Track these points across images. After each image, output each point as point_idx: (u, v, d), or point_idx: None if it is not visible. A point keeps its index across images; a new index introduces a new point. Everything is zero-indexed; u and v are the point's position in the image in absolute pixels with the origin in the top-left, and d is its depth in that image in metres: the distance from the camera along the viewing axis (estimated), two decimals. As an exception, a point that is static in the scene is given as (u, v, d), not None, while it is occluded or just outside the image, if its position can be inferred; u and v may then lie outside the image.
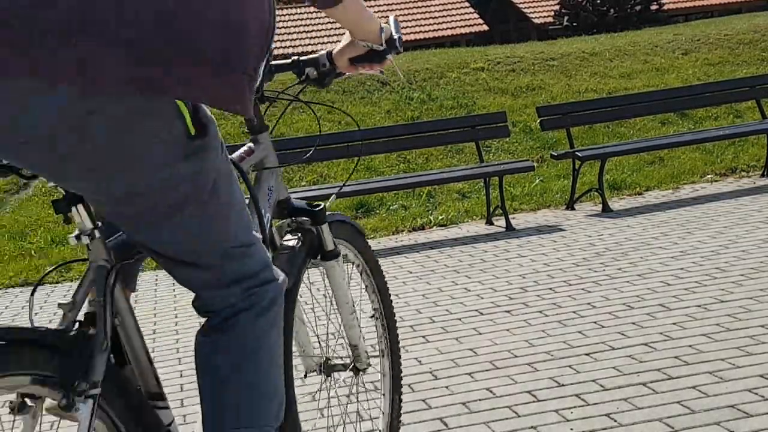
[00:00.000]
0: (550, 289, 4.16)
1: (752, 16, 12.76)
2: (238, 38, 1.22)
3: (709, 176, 6.80)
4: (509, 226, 5.81)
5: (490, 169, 5.97)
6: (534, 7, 26.59)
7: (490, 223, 6.11)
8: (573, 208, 6.29)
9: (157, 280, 5.51)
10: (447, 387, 3.01)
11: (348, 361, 2.17)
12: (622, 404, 2.67)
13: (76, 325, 1.43)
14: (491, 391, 2.92)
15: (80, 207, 1.43)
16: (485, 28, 24.30)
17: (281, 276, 1.55)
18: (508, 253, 5.06)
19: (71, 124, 1.16)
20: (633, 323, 3.47)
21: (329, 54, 1.88)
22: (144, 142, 1.23)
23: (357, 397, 2.36)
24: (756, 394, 2.62)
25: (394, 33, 1.80)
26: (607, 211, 6.02)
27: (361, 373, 2.22)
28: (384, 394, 2.39)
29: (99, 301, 1.43)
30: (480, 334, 3.58)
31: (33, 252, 6.38)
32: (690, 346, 3.13)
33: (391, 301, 2.36)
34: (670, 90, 7.10)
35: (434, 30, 24.37)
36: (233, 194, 1.42)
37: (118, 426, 1.41)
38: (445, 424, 2.70)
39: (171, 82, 1.16)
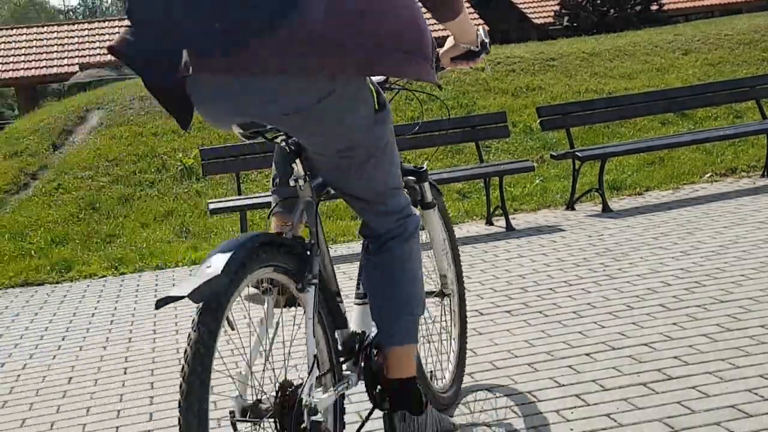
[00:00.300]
0: (550, 289, 4.16)
1: (752, 16, 12.76)
2: (425, 38, 1.91)
3: (708, 174, 6.80)
4: (509, 227, 5.82)
5: (490, 169, 5.97)
6: (534, 7, 26.59)
7: (490, 223, 6.11)
8: (573, 209, 6.29)
9: (157, 280, 5.52)
10: (447, 387, 3.01)
11: (436, 288, 2.81)
12: (622, 404, 2.67)
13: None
14: (491, 391, 2.92)
15: (298, 161, 2.05)
16: (485, 28, 24.27)
17: (417, 212, 2.23)
18: (508, 253, 5.06)
19: (318, 100, 1.82)
20: (633, 323, 3.47)
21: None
22: (356, 112, 1.93)
23: (442, 318, 2.94)
24: (756, 394, 2.62)
25: (484, 38, 2.37)
26: (607, 211, 6.02)
27: (446, 297, 2.86)
28: (452, 334, 2.95)
29: (311, 223, 2.07)
30: (480, 334, 3.58)
31: (33, 252, 6.38)
32: (690, 346, 3.13)
33: (457, 245, 2.92)
34: (670, 90, 7.09)
35: (434, 30, 24.25)
36: (394, 152, 2.15)
37: (319, 310, 2.04)
38: (445, 424, 2.70)
39: (390, 64, 1.81)
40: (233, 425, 1.88)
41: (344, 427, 2.11)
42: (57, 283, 5.80)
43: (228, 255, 1.69)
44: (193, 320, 1.69)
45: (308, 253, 1.98)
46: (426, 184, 2.66)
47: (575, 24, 21.13)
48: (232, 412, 1.86)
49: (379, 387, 2.22)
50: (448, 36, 2.35)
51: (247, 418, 1.85)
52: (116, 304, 4.96)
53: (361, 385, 2.25)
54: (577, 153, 6.15)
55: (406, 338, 2.19)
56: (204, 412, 1.67)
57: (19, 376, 3.78)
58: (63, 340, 4.32)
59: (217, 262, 1.67)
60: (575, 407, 2.70)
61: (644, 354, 3.10)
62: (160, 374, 3.57)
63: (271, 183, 2.36)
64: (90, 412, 3.21)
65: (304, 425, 1.84)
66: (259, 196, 6.00)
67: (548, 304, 3.90)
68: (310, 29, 1.71)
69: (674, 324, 3.39)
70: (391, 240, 2.16)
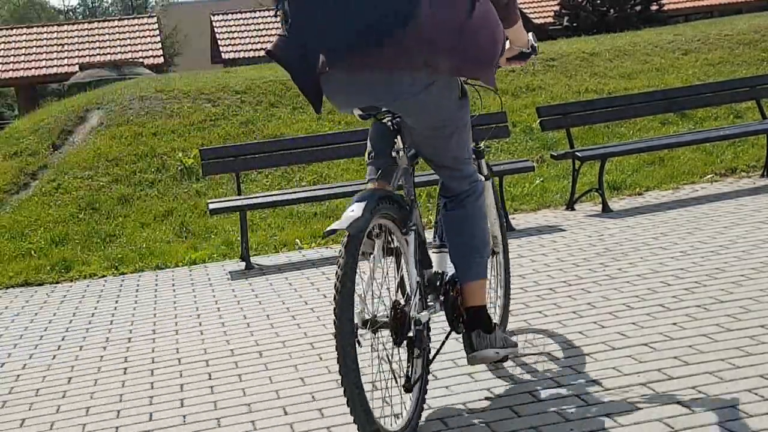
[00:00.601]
0: (550, 289, 4.16)
1: (752, 16, 12.76)
2: (496, 49, 2.58)
3: (709, 176, 6.80)
4: (509, 226, 5.81)
5: (490, 169, 5.96)
6: (534, 7, 26.59)
7: (490, 223, 6.11)
8: (573, 209, 6.29)
9: (156, 280, 5.52)
10: (447, 387, 3.01)
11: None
12: (622, 404, 2.67)
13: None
14: (491, 391, 2.92)
15: (399, 137, 2.70)
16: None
17: (482, 178, 2.93)
18: (508, 253, 5.06)
19: (422, 89, 2.50)
20: (633, 323, 3.47)
21: None
22: (448, 99, 2.63)
23: (490, 271, 3.29)
24: (756, 394, 2.62)
25: (534, 42, 3.00)
26: (607, 211, 6.02)
27: (495, 254, 3.41)
28: (499, 284, 3.44)
29: (408, 185, 2.78)
30: (480, 334, 3.58)
31: (33, 252, 6.38)
32: (690, 346, 3.13)
33: (502, 214, 3.47)
34: (670, 90, 7.08)
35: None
36: (469, 131, 2.81)
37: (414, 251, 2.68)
38: (445, 424, 2.70)
39: (471, 70, 2.56)
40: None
41: (430, 341, 2.75)
42: (57, 283, 5.80)
43: (363, 204, 2.42)
44: (341, 250, 2.41)
45: (408, 207, 2.69)
46: (483, 161, 3.22)
47: (575, 24, 21.13)
48: (356, 325, 2.43)
49: (456, 314, 2.85)
50: None
51: (368, 329, 2.54)
52: (116, 304, 4.96)
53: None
54: (577, 153, 6.15)
55: (478, 275, 2.81)
56: (352, 307, 2.37)
57: (19, 376, 3.78)
58: (63, 340, 4.32)
59: (357, 209, 2.40)
60: (575, 407, 2.70)
61: (644, 354, 3.10)
62: (160, 374, 3.57)
63: (367, 156, 2.86)
64: (90, 412, 3.21)
65: (410, 334, 2.59)
66: (259, 196, 6.00)
67: (548, 304, 3.90)
68: (421, 38, 2.40)
69: (674, 324, 3.39)
70: (465, 198, 2.82)
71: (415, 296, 2.61)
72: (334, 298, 2.37)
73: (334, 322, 2.37)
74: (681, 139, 6.56)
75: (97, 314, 4.76)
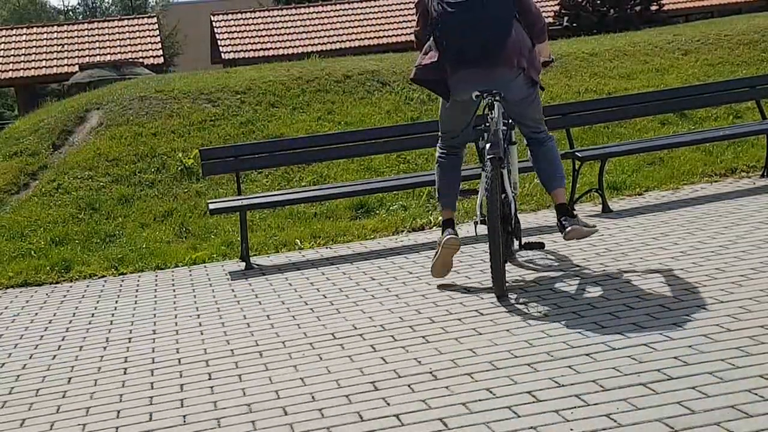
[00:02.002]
0: (550, 289, 4.16)
1: (752, 16, 12.75)
2: (532, 55, 4.28)
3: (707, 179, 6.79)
4: (509, 227, 5.81)
5: (490, 169, 5.96)
6: (534, 7, 26.53)
7: (490, 223, 6.11)
8: (573, 209, 6.27)
9: (156, 280, 5.52)
10: (447, 387, 3.02)
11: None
12: (622, 404, 2.67)
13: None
14: (491, 391, 2.92)
15: (496, 104, 4.20)
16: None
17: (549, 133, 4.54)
18: (508, 254, 5.06)
19: (515, 77, 4.18)
20: (633, 323, 3.47)
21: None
22: (526, 84, 4.25)
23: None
24: (756, 394, 2.62)
25: (550, 54, 4.59)
26: (607, 211, 6.02)
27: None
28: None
29: (506, 141, 4.41)
30: (480, 334, 3.58)
31: (33, 252, 6.38)
32: (690, 346, 3.13)
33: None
34: (670, 90, 7.08)
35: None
36: (539, 104, 4.44)
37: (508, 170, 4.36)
38: (445, 425, 2.70)
39: (531, 69, 4.24)
40: (475, 224, 4.50)
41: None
42: (57, 283, 5.80)
43: (500, 140, 4.13)
44: (487, 167, 4.08)
45: (507, 140, 4.48)
46: (512, 132, 4.58)
47: (575, 24, 21.13)
48: (475, 222, 4.47)
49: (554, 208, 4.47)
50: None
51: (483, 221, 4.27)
52: (116, 304, 4.96)
53: None
54: (576, 153, 6.15)
55: (563, 183, 4.41)
56: (499, 202, 4.00)
57: (19, 376, 3.79)
58: (63, 340, 4.32)
59: (496, 144, 4.11)
60: (575, 407, 2.70)
61: (644, 354, 3.10)
62: (160, 374, 3.57)
63: (444, 140, 4.59)
64: (90, 412, 3.22)
65: (510, 229, 4.33)
66: (259, 196, 6.00)
67: (548, 304, 3.90)
68: (512, 50, 4.11)
69: (674, 324, 3.39)
70: (546, 140, 4.44)
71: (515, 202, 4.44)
72: (486, 197, 4.07)
73: (485, 213, 4.14)
74: (681, 139, 6.56)
75: (97, 314, 4.76)
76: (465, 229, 6.02)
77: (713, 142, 6.86)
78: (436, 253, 4.39)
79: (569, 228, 4.21)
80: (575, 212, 4.29)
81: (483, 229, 4.41)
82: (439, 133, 4.60)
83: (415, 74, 4.28)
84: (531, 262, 4.78)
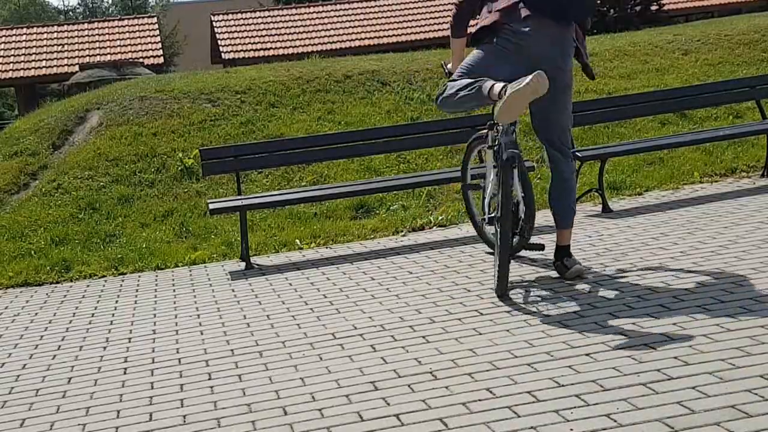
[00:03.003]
0: (551, 289, 4.16)
1: (752, 16, 12.75)
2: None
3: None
4: (509, 227, 5.81)
5: (490, 169, 5.96)
6: (534, 7, 26.53)
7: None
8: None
9: (156, 280, 5.52)
10: (447, 387, 3.02)
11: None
12: (622, 404, 2.67)
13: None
14: (491, 391, 2.92)
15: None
16: None
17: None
18: (508, 254, 5.05)
19: (572, 49, 4.25)
20: (633, 323, 3.47)
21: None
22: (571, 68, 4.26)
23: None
24: (756, 394, 2.62)
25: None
26: (607, 211, 6.02)
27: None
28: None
29: (510, 136, 4.26)
30: (480, 334, 3.58)
31: (33, 252, 6.38)
32: (690, 346, 3.13)
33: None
34: (670, 90, 7.07)
35: (435, 30, 24.37)
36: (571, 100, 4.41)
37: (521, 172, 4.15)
38: (445, 425, 2.70)
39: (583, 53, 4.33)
40: (481, 224, 4.70)
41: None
42: (57, 283, 5.80)
43: (514, 136, 4.18)
44: (502, 151, 4.05)
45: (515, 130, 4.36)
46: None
47: (575, 24, 21.09)
48: (483, 219, 4.44)
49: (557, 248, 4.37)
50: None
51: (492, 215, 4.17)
52: (116, 304, 4.96)
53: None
54: (576, 153, 6.13)
55: (573, 219, 4.36)
56: (514, 174, 4.02)
57: (19, 376, 3.79)
58: (63, 340, 4.32)
59: (510, 138, 4.16)
60: (575, 407, 2.70)
61: (644, 354, 3.10)
62: (160, 374, 3.57)
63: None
64: (90, 412, 3.21)
65: (519, 224, 4.14)
66: (259, 196, 6.00)
67: (548, 304, 3.90)
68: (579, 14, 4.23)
69: (674, 324, 3.39)
70: (571, 161, 4.40)
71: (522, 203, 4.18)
72: (496, 195, 4.06)
73: (491, 213, 4.21)
74: (681, 139, 6.56)
75: (97, 314, 4.76)
76: (465, 229, 6.03)
77: (713, 142, 6.85)
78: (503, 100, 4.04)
79: (573, 268, 4.24)
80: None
81: (488, 229, 4.46)
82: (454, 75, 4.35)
83: (475, 34, 4.21)
84: (531, 262, 4.78)
